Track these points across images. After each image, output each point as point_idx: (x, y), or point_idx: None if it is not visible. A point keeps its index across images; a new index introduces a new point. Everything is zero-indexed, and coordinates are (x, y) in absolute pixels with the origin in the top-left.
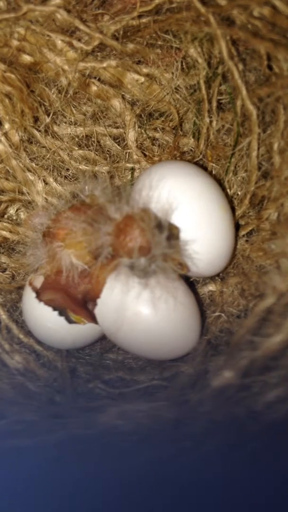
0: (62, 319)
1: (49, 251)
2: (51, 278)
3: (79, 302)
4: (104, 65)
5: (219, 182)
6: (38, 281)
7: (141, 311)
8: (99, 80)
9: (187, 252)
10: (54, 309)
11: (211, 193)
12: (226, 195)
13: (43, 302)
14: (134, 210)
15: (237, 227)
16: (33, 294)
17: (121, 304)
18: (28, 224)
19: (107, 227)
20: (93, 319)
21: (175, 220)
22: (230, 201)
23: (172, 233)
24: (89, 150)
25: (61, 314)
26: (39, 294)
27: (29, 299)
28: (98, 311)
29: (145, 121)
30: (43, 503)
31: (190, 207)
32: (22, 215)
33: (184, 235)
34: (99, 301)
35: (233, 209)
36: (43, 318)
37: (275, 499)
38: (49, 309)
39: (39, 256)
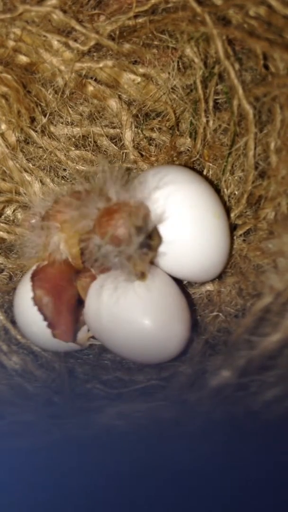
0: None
1: (46, 236)
2: (47, 271)
3: (66, 312)
4: (101, 65)
5: (216, 182)
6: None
7: (127, 316)
8: (95, 80)
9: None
10: (45, 319)
11: (205, 200)
12: (223, 195)
13: (37, 306)
14: (132, 201)
15: (234, 226)
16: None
17: (104, 308)
18: (26, 224)
19: (99, 203)
20: (70, 336)
21: (167, 228)
22: (227, 200)
23: (150, 241)
24: (86, 150)
25: (48, 326)
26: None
27: (22, 299)
28: (85, 315)
29: (142, 121)
30: (41, 503)
31: (184, 215)
32: (19, 216)
33: (173, 245)
34: (85, 305)
35: (230, 209)
36: (33, 322)
37: (274, 498)
38: (40, 317)
39: (37, 243)
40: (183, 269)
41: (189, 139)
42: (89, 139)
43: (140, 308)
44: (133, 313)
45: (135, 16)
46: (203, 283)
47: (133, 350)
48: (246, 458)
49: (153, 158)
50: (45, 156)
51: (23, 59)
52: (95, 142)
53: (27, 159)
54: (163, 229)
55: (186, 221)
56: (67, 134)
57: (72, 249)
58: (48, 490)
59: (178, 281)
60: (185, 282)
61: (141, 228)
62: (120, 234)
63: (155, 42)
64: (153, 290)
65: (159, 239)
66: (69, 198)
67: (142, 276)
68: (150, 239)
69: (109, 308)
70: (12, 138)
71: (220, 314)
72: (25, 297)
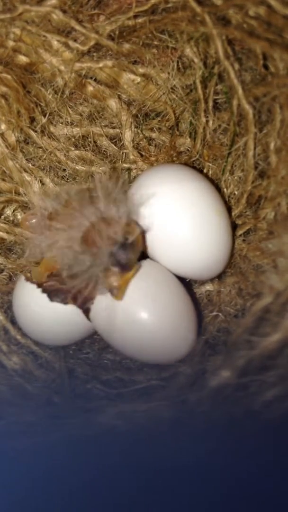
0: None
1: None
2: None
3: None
4: (100, 65)
5: (216, 182)
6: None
7: (134, 315)
8: (95, 80)
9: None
10: (44, 291)
11: (207, 198)
12: (223, 194)
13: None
14: (119, 218)
15: (234, 226)
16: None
17: (113, 309)
18: (25, 224)
19: (91, 217)
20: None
21: (169, 226)
22: (227, 200)
23: (125, 254)
24: (85, 150)
25: (48, 296)
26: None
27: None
28: (92, 315)
29: (142, 121)
30: (42, 504)
31: (185, 213)
32: (19, 216)
33: (175, 243)
34: (92, 306)
35: (230, 209)
36: (31, 304)
37: (274, 498)
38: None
39: (41, 243)
40: (186, 267)
41: (188, 139)
42: (89, 139)
43: (152, 310)
44: (145, 315)
45: (135, 16)
46: (202, 283)
47: (145, 352)
48: (246, 458)
49: (152, 158)
50: (44, 156)
51: (22, 59)
52: (94, 142)
53: (26, 159)
54: (165, 227)
55: (188, 218)
56: (66, 134)
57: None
58: (48, 490)
59: (181, 280)
60: (188, 280)
61: (116, 239)
62: (94, 240)
63: (155, 42)
64: (163, 291)
65: (136, 253)
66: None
67: (116, 292)
68: (126, 251)
69: (126, 309)
70: (12, 138)
71: (220, 314)
72: (24, 288)
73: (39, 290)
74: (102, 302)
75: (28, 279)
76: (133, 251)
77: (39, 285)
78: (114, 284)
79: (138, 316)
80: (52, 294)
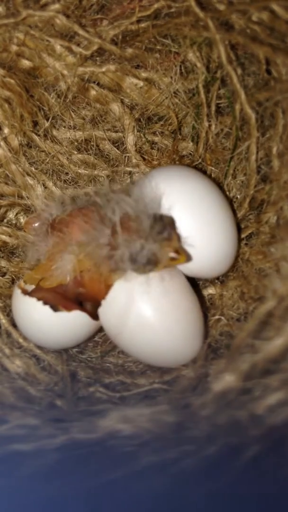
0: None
1: (54, 245)
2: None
3: (71, 300)
4: (103, 69)
5: (218, 186)
6: (29, 287)
7: (145, 318)
8: (98, 84)
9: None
10: (45, 303)
11: (212, 195)
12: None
13: (35, 298)
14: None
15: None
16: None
17: (125, 309)
18: (28, 228)
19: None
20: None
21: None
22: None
23: (166, 224)
24: (88, 154)
25: (51, 307)
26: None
27: (19, 298)
28: (102, 311)
29: (144, 125)
30: (45, 508)
31: (191, 211)
32: (22, 219)
33: (186, 238)
34: (103, 302)
35: (233, 212)
36: (31, 312)
37: (277, 503)
38: (38, 304)
39: (41, 248)
40: (193, 265)
41: (191, 143)
42: (92, 143)
43: (165, 313)
44: (157, 317)
45: (138, 21)
46: (205, 287)
47: (152, 354)
48: (250, 462)
49: (155, 162)
50: (47, 160)
51: (26, 63)
52: (97, 146)
53: (29, 163)
54: None
55: (194, 215)
56: (69, 138)
57: (83, 266)
58: (51, 494)
59: (189, 279)
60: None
61: (153, 217)
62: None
63: (158, 47)
64: (175, 295)
65: (171, 219)
66: (82, 219)
67: (179, 255)
68: (163, 220)
69: (138, 310)
70: (15, 142)
71: (223, 317)
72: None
73: (40, 303)
74: (114, 301)
75: (24, 291)
76: (167, 217)
77: (39, 299)
78: (175, 249)
79: (149, 318)
80: (53, 303)
